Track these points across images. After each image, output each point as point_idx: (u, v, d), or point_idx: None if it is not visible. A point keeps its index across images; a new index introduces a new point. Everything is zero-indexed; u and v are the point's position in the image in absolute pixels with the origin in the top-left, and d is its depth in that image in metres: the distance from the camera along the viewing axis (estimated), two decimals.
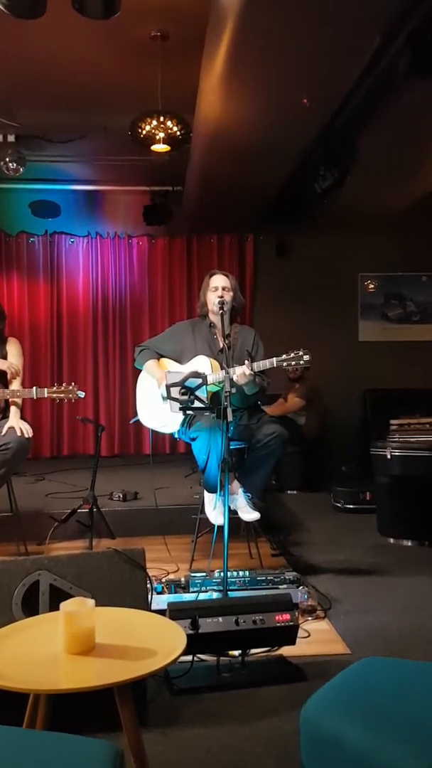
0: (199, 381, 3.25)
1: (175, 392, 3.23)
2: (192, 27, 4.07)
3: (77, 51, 4.44)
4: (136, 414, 3.89)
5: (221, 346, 3.66)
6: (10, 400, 3.83)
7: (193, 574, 3.22)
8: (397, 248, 7.57)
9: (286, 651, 2.72)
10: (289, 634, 2.61)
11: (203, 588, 3.09)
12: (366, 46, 3.64)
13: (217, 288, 3.70)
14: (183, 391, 3.22)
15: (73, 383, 3.89)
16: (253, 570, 3.33)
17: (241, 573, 3.24)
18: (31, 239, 7.42)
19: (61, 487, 5.31)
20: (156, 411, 3.75)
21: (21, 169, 5.80)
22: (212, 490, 3.58)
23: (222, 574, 3.02)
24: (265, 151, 4.98)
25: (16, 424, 3.73)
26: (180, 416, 3.56)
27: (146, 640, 1.83)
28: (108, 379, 7.47)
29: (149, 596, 2.43)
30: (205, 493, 3.64)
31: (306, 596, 3.16)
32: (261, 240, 7.62)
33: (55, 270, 7.44)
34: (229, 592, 2.99)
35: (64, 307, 7.45)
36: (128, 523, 4.43)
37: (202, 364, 3.62)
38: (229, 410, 3.01)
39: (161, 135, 4.56)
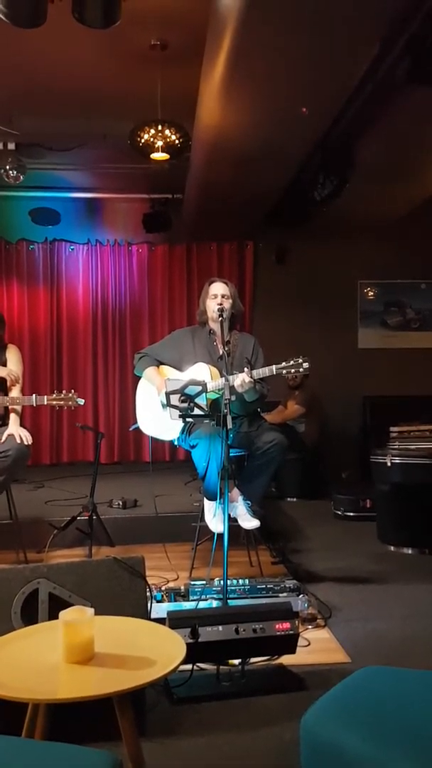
0: (199, 388, 3.25)
1: (174, 399, 3.23)
2: (191, 36, 4.09)
3: (77, 60, 4.46)
4: (135, 421, 3.89)
5: (221, 353, 3.66)
6: (10, 407, 3.83)
7: (192, 583, 3.21)
8: (396, 255, 7.58)
9: (286, 660, 2.71)
10: (289, 643, 2.60)
11: (203, 596, 3.07)
12: (365, 53, 3.65)
13: (217, 295, 3.71)
14: (183, 398, 3.22)
15: (72, 390, 3.89)
16: (253, 578, 3.32)
17: (241, 581, 3.23)
18: (31, 246, 7.44)
19: (61, 495, 5.30)
20: (156, 418, 3.74)
21: (21, 177, 5.82)
22: (212, 498, 3.58)
23: (222, 582, 3.01)
24: (265, 158, 4.99)
25: (16, 431, 3.73)
26: (180, 423, 3.55)
27: (146, 649, 1.82)
28: (108, 387, 7.47)
29: (149, 605, 2.42)
30: (205, 501, 3.63)
31: (306, 605, 3.14)
32: (260, 247, 7.64)
33: (55, 277, 7.45)
34: (229, 601, 2.97)
35: (64, 314, 7.45)
36: (128, 531, 4.42)
37: (201, 371, 3.62)
38: (228, 418, 3.01)
39: (160, 144, 4.57)
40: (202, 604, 3.01)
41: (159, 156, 4.70)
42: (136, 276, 7.55)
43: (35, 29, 3.15)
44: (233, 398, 3.22)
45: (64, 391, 3.85)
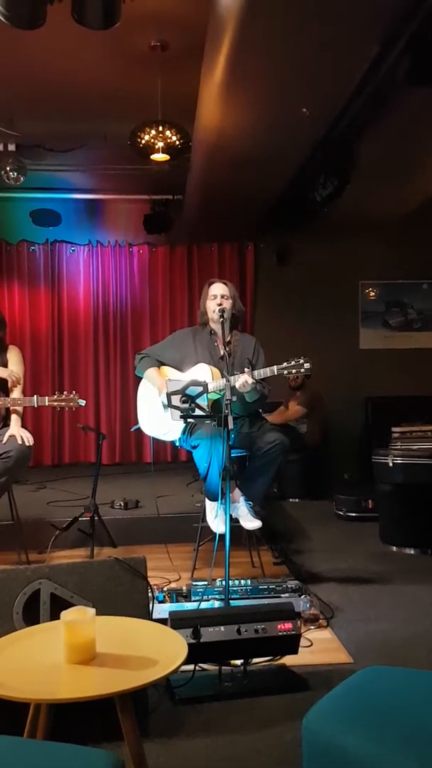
0: (200, 389, 3.24)
1: (175, 400, 3.23)
2: (191, 37, 4.09)
3: (77, 61, 4.46)
4: (137, 422, 3.89)
5: (222, 353, 3.66)
6: (11, 408, 3.83)
7: (194, 583, 3.21)
8: (397, 256, 7.58)
9: (288, 660, 2.71)
10: (291, 643, 2.60)
11: (205, 597, 3.08)
12: (365, 53, 3.65)
13: (216, 296, 3.71)
14: (184, 399, 3.21)
15: (74, 391, 3.89)
16: (255, 578, 3.32)
17: (243, 582, 3.23)
18: (32, 248, 7.45)
19: (63, 496, 5.30)
20: (157, 419, 3.74)
21: (22, 178, 5.82)
22: (213, 498, 3.58)
23: (224, 582, 3.00)
24: (265, 159, 4.99)
25: (17, 432, 3.72)
26: (181, 424, 3.55)
27: (147, 649, 1.82)
28: (109, 387, 7.47)
29: (150, 605, 2.42)
30: (207, 502, 3.63)
31: (308, 605, 3.15)
32: (261, 248, 7.64)
33: (56, 278, 7.46)
34: (231, 601, 2.97)
35: (65, 315, 7.46)
36: (129, 532, 4.42)
37: (202, 371, 3.62)
38: (230, 418, 3.01)
39: (160, 144, 4.57)
40: (204, 605, 3.02)
41: (159, 157, 4.69)
42: (136, 277, 7.56)
43: (35, 31, 3.16)
44: (234, 399, 3.22)
45: (65, 392, 3.85)
